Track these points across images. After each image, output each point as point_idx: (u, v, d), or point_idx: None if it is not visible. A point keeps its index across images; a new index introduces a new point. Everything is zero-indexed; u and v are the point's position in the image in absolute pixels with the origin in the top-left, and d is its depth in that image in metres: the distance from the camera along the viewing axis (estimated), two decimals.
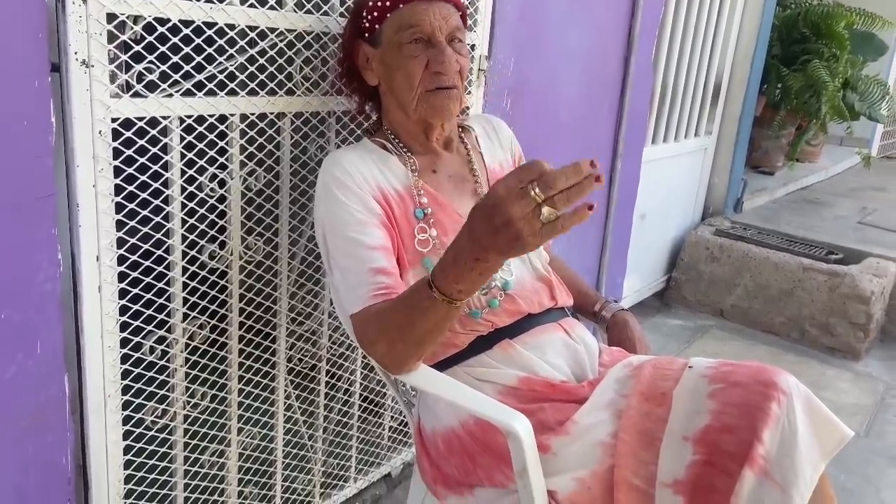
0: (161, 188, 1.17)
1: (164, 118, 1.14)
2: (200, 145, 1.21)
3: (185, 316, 1.26)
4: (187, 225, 1.22)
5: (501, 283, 1.20)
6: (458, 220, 1.19)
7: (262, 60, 1.25)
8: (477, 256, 0.86)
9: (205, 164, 1.23)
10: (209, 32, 1.16)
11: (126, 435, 1.19)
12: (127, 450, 1.20)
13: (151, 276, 1.18)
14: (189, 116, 1.17)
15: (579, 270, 1.58)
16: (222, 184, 1.26)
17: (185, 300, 1.25)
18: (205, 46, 1.17)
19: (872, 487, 2.07)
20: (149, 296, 1.17)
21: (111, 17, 1.02)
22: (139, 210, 1.14)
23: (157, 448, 1.26)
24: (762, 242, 3.26)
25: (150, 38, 1.08)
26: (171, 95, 1.13)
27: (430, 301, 0.94)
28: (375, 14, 1.17)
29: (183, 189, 1.20)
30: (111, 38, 1.02)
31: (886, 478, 2.12)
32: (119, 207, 1.09)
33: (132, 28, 1.05)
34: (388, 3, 1.16)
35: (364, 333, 1.08)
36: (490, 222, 0.81)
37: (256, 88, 1.26)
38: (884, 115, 4.52)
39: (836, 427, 0.99)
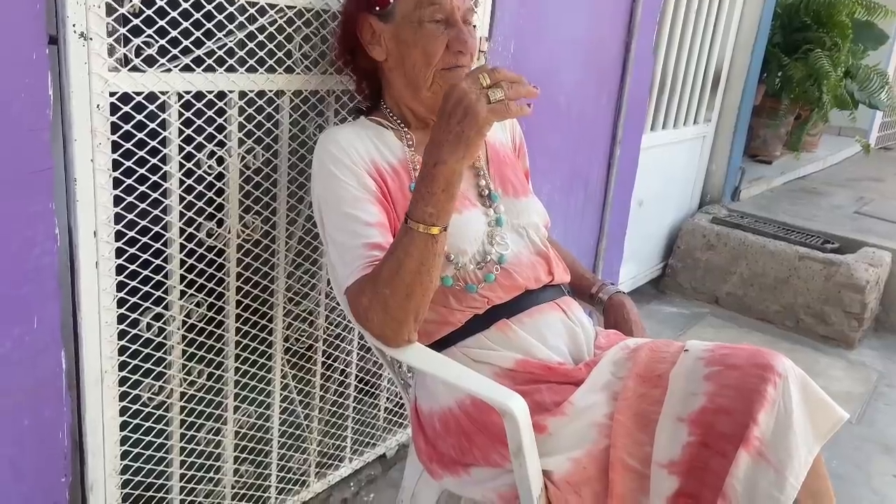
0: (159, 164, 1.17)
1: (163, 93, 1.13)
2: (199, 122, 1.20)
3: (183, 293, 1.25)
4: (185, 202, 1.22)
5: (497, 257, 1.19)
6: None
7: (261, 37, 1.24)
8: (434, 161, 0.97)
9: (203, 141, 1.22)
10: (208, 7, 1.15)
11: (123, 411, 1.19)
12: (123, 426, 1.20)
13: (149, 253, 1.18)
14: (188, 92, 1.16)
15: (577, 256, 1.57)
16: (220, 161, 1.25)
17: (183, 277, 1.25)
18: (204, 21, 1.16)
19: (863, 474, 2.08)
20: (146, 272, 1.17)
21: None
22: (137, 186, 1.13)
23: (153, 425, 1.26)
24: (759, 231, 3.26)
25: (148, 12, 1.07)
26: (169, 70, 1.12)
27: (408, 236, 1.00)
28: None
29: (181, 165, 1.20)
30: (110, 10, 1.01)
31: (877, 465, 2.14)
32: (117, 183, 1.09)
33: (131, 1, 1.04)
34: None
35: (358, 304, 1.07)
36: (444, 107, 0.95)
37: (255, 65, 1.25)
38: (884, 102, 4.51)
39: (832, 410, 1.00)
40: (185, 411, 1.33)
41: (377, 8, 1.18)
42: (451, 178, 0.97)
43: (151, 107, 1.12)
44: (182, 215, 1.22)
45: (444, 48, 1.15)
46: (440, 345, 1.18)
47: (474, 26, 1.19)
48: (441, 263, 1.05)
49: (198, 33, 1.16)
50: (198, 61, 1.16)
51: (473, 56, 1.20)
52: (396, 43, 1.18)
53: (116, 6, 1.03)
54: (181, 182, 1.20)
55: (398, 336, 1.07)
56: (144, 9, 1.06)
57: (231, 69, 1.21)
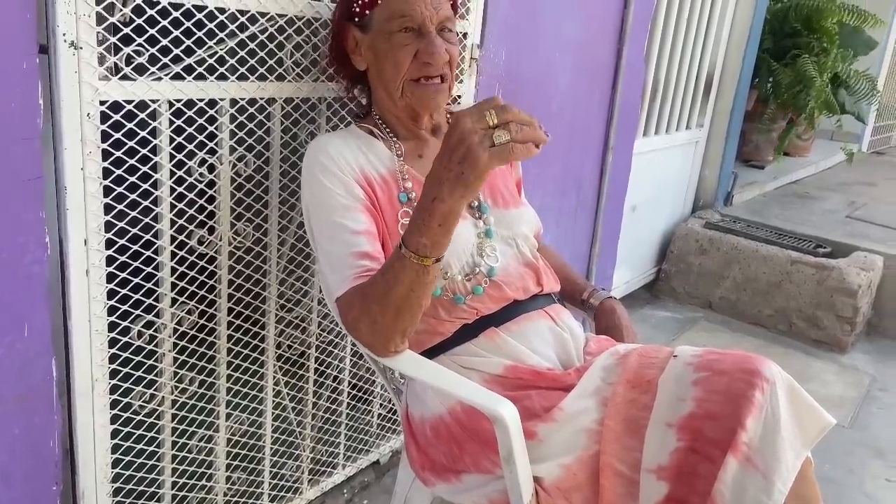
0: (150, 172, 1.17)
1: (154, 101, 1.13)
2: (190, 129, 1.21)
3: (174, 301, 1.25)
4: (176, 209, 1.22)
5: (486, 270, 1.19)
6: None
7: (252, 45, 1.24)
8: (433, 196, 0.93)
9: (194, 149, 1.22)
10: (199, 16, 1.15)
11: (114, 419, 1.19)
12: (114, 434, 1.20)
13: (140, 261, 1.18)
14: (178, 100, 1.16)
15: (570, 261, 1.58)
16: (212, 169, 1.25)
17: (174, 285, 1.25)
18: (195, 30, 1.16)
19: (856, 478, 2.09)
20: (137, 280, 1.17)
21: None
22: (127, 194, 1.13)
23: (144, 433, 1.26)
24: (751, 235, 3.28)
25: (139, 21, 1.07)
26: (160, 79, 1.12)
27: (400, 262, 0.98)
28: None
29: (172, 173, 1.20)
30: (100, 19, 1.01)
31: (869, 469, 2.14)
32: (107, 191, 1.09)
33: (121, 10, 1.05)
34: None
35: (348, 314, 1.08)
36: (447, 143, 0.90)
37: (247, 73, 1.25)
38: (870, 112, 4.54)
39: (819, 415, 1.00)
40: (177, 419, 1.33)
41: (357, 19, 1.20)
42: (448, 215, 0.94)
43: (142, 115, 1.12)
44: (173, 223, 1.22)
45: (412, 58, 1.15)
46: (430, 354, 1.19)
47: (464, 34, 1.19)
48: (432, 290, 1.05)
49: (188, 42, 1.16)
50: (189, 69, 1.17)
51: (453, 64, 1.19)
52: (374, 53, 1.19)
53: (107, 15, 1.03)
54: (172, 190, 1.20)
55: (385, 349, 1.08)
56: (135, 18, 1.07)
57: (222, 77, 1.21)
